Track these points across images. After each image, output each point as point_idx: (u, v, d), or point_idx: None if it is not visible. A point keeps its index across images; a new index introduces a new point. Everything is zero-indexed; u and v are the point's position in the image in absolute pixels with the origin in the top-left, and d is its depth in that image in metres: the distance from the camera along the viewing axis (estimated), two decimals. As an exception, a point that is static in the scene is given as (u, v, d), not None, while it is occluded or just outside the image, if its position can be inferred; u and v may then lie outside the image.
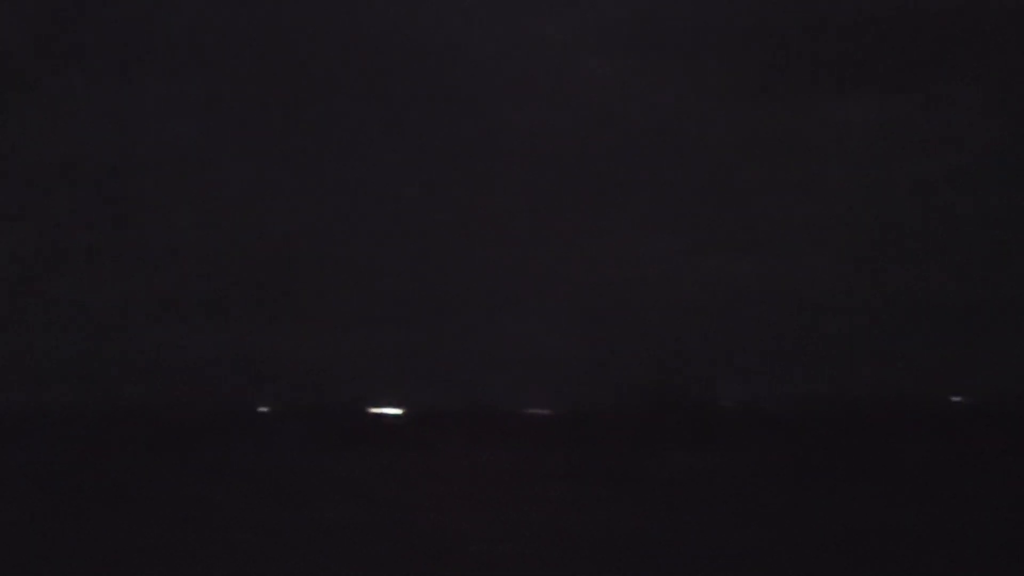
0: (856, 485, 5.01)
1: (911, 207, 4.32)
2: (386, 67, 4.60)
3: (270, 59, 4.59)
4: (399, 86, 4.52)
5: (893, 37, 3.94)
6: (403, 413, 5.89)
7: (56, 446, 5.35)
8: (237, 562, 4.00)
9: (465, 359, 4.75)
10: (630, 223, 4.32)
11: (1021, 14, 4.03)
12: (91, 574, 3.96)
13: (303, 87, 4.62)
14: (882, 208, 4.14)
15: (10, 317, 4.66)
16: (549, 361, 4.87)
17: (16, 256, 4.40)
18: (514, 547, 4.11)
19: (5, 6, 4.90)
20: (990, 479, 5.25)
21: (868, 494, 4.86)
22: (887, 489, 5.01)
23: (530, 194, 4.38)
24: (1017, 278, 4.11)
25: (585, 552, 4.08)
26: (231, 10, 4.88)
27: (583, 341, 4.99)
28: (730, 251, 4.72)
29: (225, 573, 3.90)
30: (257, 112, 4.65)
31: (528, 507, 4.33)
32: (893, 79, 4.09)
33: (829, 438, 5.08)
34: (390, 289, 5.29)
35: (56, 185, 4.36)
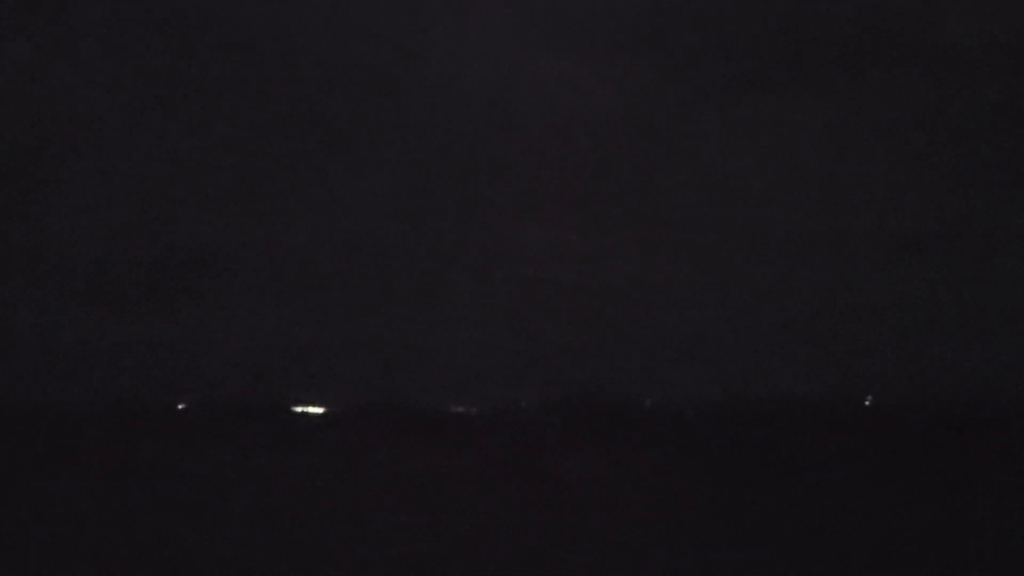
0: (769, 486, 4.02)
1: (841, 205, 4.19)
2: (313, 61, 3.72)
3: (195, 42, 3.61)
4: (326, 80, 3.76)
5: (827, 31, 4.09)
6: (325, 412, 4.67)
7: None
8: (138, 569, 3.62)
9: (387, 356, 4.34)
10: (555, 222, 4.24)
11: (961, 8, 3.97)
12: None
13: (226, 76, 3.72)
14: (812, 207, 4.44)
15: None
16: (471, 359, 4.36)
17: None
18: (429, 546, 4.12)
19: None
20: (897, 482, 3.81)
21: (779, 495, 4.21)
22: (799, 490, 4.31)
23: (454, 191, 4.00)
24: (950, 279, 4.30)
25: (498, 551, 4.09)
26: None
27: (506, 339, 4.16)
28: (655, 251, 4.19)
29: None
30: (178, 100, 3.67)
31: (447, 507, 4.85)
32: (826, 74, 4.11)
33: (748, 439, 4.96)
34: (311, 285, 4.05)
35: None
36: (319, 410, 4.12)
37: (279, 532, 4.54)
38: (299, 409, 4.15)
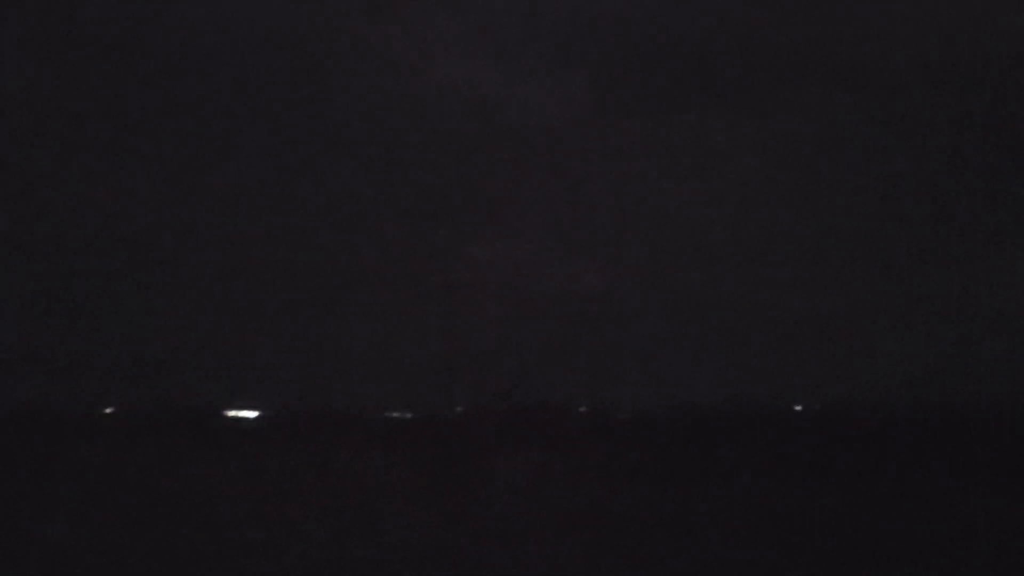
0: (701, 489, 3.98)
1: (780, 214, 4.05)
2: (253, 69, 3.84)
3: (130, 47, 3.49)
4: (263, 86, 3.86)
5: (758, 50, 3.93)
6: (258, 416, 3.27)
7: None
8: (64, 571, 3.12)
9: (321, 361, 4.09)
10: (489, 228, 4.05)
11: (885, 21, 3.87)
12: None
13: (159, 82, 3.67)
14: (746, 215, 4.29)
15: None
16: (406, 365, 4.13)
17: None
18: (362, 549, 3.60)
19: None
20: (827, 485, 3.84)
21: (711, 498, 4.02)
22: (730, 493, 4.13)
23: (390, 198, 3.81)
24: (888, 287, 4.24)
25: (431, 553, 3.54)
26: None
27: (440, 346, 4.01)
28: (591, 259, 4.05)
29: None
30: (114, 106, 3.52)
31: (381, 509, 3.56)
32: (758, 89, 3.97)
33: (681, 444, 4.32)
34: (245, 290, 3.89)
35: None
36: (251, 415, 3.91)
37: (208, 535, 4.31)
38: (231, 414, 3.96)
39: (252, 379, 4.78)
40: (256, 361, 4.83)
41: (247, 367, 4.91)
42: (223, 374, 4.69)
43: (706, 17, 5.41)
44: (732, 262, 6.35)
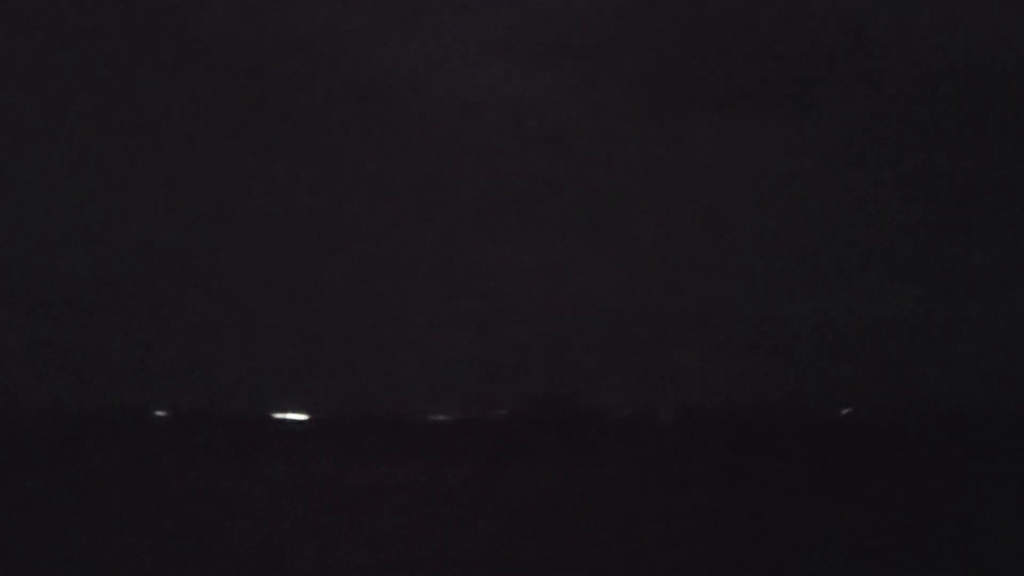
0: (743, 494, 4.16)
1: (816, 217, 4.24)
2: (268, 68, 3.64)
3: (144, 48, 3.52)
4: (281, 86, 3.64)
5: (782, 55, 4.17)
6: (304, 419, 3.46)
7: None
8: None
9: (364, 366, 4.36)
10: (525, 232, 4.29)
11: (910, 28, 4.07)
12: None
13: (168, 78, 3.60)
14: (770, 223, 4.51)
15: None
16: (448, 369, 4.39)
17: None
18: (405, 552, 4.10)
19: None
20: (874, 489, 3.95)
21: (753, 502, 4.27)
22: (773, 497, 4.38)
23: (424, 202, 3.86)
24: (905, 295, 4.38)
25: (472, 558, 4.07)
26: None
27: (481, 350, 4.21)
28: (629, 262, 4.25)
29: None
30: (125, 106, 3.51)
31: (423, 512, 4.76)
32: (783, 94, 4.20)
33: (722, 448, 4.97)
34: (291, 295, 4.08)
35: None
36: (299, 417, 4.19)
37: (257, 537, 4.60)
38: (279, 416, 4.23)
39: (299, 383, 4.76)
40: (303, 365, 4.80)
41: (294, 371, 4.90)
42: (270, 378, 4.68)
43: (734, 20, 5.32)
44: (769, 266, 6.06)
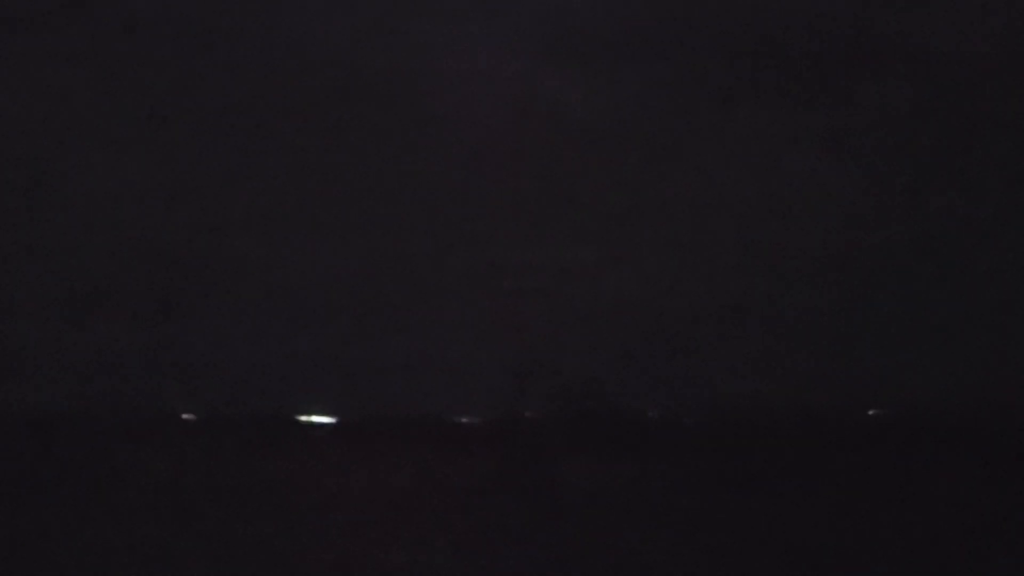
0: (777, 496, 4.15)
1: (837, 215, 4.27)
2: (310, 66, 3.78)
3: (177, 45, 3.67)
4: (319, 86, 3.80)
5: (819, 42, 4.24)
6: (330, 421, 3.50)
7: None
8: None
9: (392, 367, 4.35)
10: (553, 230, 4.33)
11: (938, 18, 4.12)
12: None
13: (195, 72, 3.76)
14: (809, 217, 4.56)
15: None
16: (475, 370, 4.39)
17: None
18: (434, 555, 4.19)
19: None
20: (905, 492, 3.96)
21: (786, 505, 4.26)
22: (807, 500, 4.32)
23: (453, 199, 4.20)
24: (936, 289, 4.41)
25: (503, 561, 4.16)
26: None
27: (508, 350, 4.20)
28: (655, 262, 4.26)
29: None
30: (158, 102, 3.71)
31: (452, 515, 2.95)
32: (819, 85, 4.28)
33: (755, 449, 4.35)
34: (316, 297, 4.10)
35: None
36: (325, 420, 4.17)
37: (284, 541, 4.62)
38: (304, 419, 4.21)
39: (325, 385, 4.59)
40: (329, 367, 4.64)
41: (320, 373, 4.74)
42: (296, 380, 4.51)
43: (765, 11, 5.17)
44: (799, 265, 5.69)
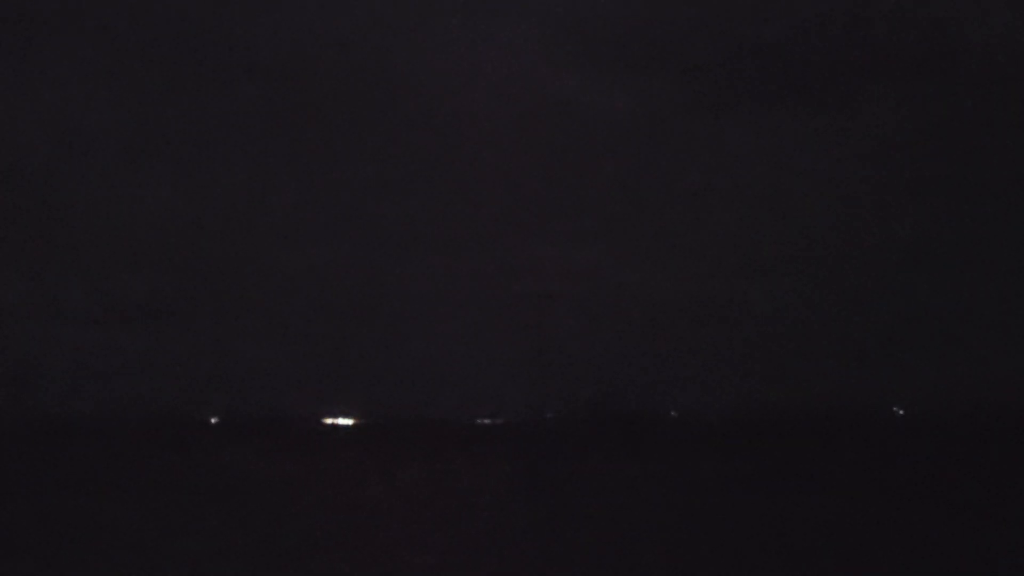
0: (796, 494, 3.90)
1: (851, 215, 4.00)
2: (328, 72, 4.21)
3: (195, 52, 3.91)
4: (338, 92, 4.18)
5: (827, 47, 3.97)
6: (354, 423, 3.50)
7: None
8: None
9: (414, 369, 4.21)
10: (571, 235, 4.12)
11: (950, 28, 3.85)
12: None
13: (233, 88, 4.01)
14: (825, 222, 4.29)
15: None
16: (496, 372, 4.23)
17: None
18: (456, 552, 3.66)
19: None
20: (927, 488, 3.75)
21: (806, 503, 3.79)
22: (827, 498, 3.90)
23: (471, 205, 4.01)
24: (951, 291, 4.24)
25: (524, 558, 3.61)
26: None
27: (529, 353, 4.08)
28: (675, 263, 4.06)
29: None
30: (189, 114, 3.88)
31: (473, 513, 3.52)
32: (827, 87, 4.02)
33: (774, 448, 4.20)
34: (340, 303, 4.04)
35: None
36: (348, 422, 4.09)
37: (307, 540, 4.46)
38: (329, 421, 4.15)
39: (345, 388, 4.71)
40: (349, 371, 4.78)
41: (341, 377, 4.87)
42: (318, 384, 4.65)
43: (782, 15, 5.21)
44: (821, 264, 5.97)
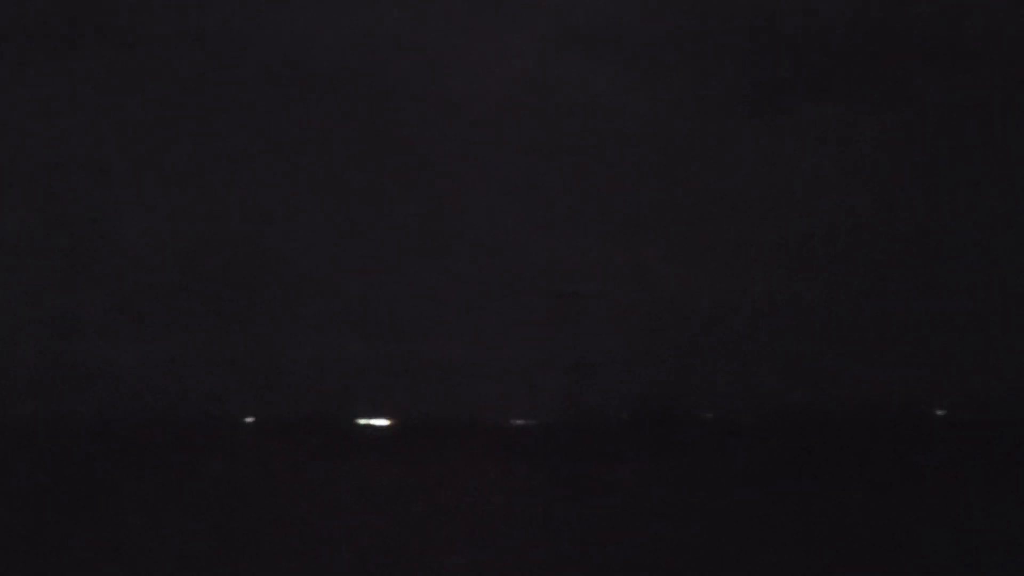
0: (836, 498, 4.11)
1: (888, 213, 4.24)
2: (352, 70, 4.00)
3: (226, 54, 3.83)
4: (364, 89, 3.98)
5: (866, 36, 4.23)
6: (388, 424, 3.56)
7: (25, 460, 4.30)
8: None
9: (447, 369, 4.39)
10: (604, 233, 4.36)
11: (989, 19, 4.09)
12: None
13: (265, 90, 3.93)
14: (863, 219, 4.53)
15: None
16: (530, 372, 4.42)
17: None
18: (492, 557, 4.20)
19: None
20: (965, 491, 3.90)
21: (847, 508, 4.21)
22: (860, 500, 4.28)
23: (503, 204, 4.65)
24: (992, 288, 4.36)
25: (559, 563, 4.17)
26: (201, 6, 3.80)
27: (563, 352, 4.22)
28: (707, 261, 4.24)
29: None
30: (215, 113, 3.88)
31: (508, 517, 4.62)
32: (866, 81, 4.26)
33: (808, 450, 4.64)
34: (373, 300, 4.15)
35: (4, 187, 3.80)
36: (382, 422, 4.24)
37: (344, 540, 4.66)
38: (363, 421, 4.28)
39: (382, 388, 4.55)
40: (386, 371, 4.59)
41: (378, 376, 4.69)
42: (355, 383, 4.48)
43: (815, 7, 4.99)
44: (859, 263, 5.54)
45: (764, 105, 3.81)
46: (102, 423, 4.91)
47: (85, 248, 3.99)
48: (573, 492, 5.59)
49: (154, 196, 3.95)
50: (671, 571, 4.43)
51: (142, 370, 3.92)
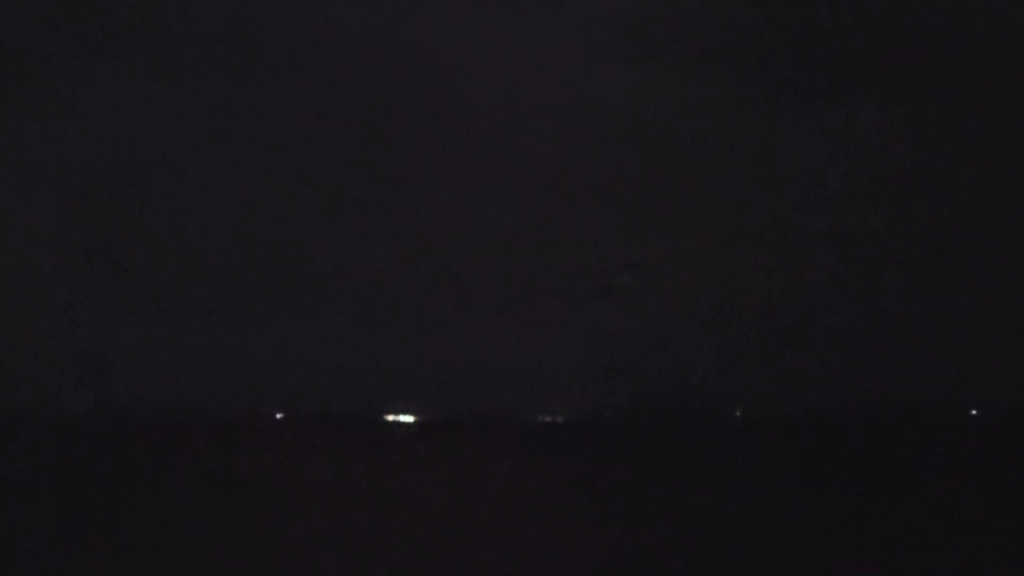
0: (864, 496, 4.04)
1: (923, 209, 4.16)
2: (375, 73, 3.70)
3: (262, 56, 3.60)
4: (387, 92, 3.70)
5: (889, 40, 4.16)
6: (416, 420, 3.51)
7: (53, 453, 3.91)
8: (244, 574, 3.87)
9: (476, 366, 4.34)
10: (630, 229, 4.30)
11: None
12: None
13: (294, 88, 3.63)
14: (892, 211, 4.47)
15: (8, 320, 4.01)
16: (558, 369, 4.37)
17: (13, 257, 3.57)
18: (520, 552, 4.21)
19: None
20: (995, 491, 3.81)
21: (875, 506, 4.15)
22: (893, 499, 4.20)
23: (529, 201, 4.23)
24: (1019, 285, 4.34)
25: (587, 560, 4.16)
26: (230, 6, 3.55)
27: (591, 350, 4.16)
28: (738, 258, 4.16)
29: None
30: (245, 113, 3.63)
31: (537, 513, 2.97)
32: (898, 79, 4.18)
33: (842, 449, 4.16)
34: (402, 296, 4.12)
35: (41, 185, 3.69)
36: (410, 419, 4.23)
37: (371, 538, 4.67)
38: (391, 418, 4.27)
39: (410, 384, 4.40)
40: (414, 367, 4.44)
41: (405, 373, 4.54)
42: (382, 380, 4.34)
43: (841, 8, 4.85)
44: (898, 262, 5.38)
45: (802, 102, 3.77)
46: (136, 418, 4.96)
47: (114, 246, 4.02)
48: (602, 490, 5.59)
49: (185, 196, 3.94)
50: (698, 568, 4.44)
51: (176, 366, 3.94)
